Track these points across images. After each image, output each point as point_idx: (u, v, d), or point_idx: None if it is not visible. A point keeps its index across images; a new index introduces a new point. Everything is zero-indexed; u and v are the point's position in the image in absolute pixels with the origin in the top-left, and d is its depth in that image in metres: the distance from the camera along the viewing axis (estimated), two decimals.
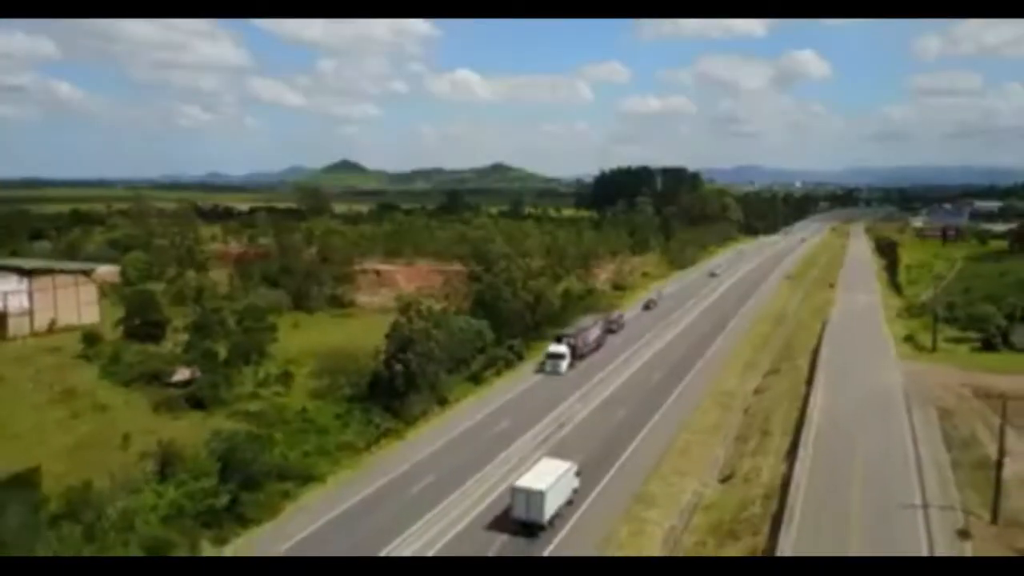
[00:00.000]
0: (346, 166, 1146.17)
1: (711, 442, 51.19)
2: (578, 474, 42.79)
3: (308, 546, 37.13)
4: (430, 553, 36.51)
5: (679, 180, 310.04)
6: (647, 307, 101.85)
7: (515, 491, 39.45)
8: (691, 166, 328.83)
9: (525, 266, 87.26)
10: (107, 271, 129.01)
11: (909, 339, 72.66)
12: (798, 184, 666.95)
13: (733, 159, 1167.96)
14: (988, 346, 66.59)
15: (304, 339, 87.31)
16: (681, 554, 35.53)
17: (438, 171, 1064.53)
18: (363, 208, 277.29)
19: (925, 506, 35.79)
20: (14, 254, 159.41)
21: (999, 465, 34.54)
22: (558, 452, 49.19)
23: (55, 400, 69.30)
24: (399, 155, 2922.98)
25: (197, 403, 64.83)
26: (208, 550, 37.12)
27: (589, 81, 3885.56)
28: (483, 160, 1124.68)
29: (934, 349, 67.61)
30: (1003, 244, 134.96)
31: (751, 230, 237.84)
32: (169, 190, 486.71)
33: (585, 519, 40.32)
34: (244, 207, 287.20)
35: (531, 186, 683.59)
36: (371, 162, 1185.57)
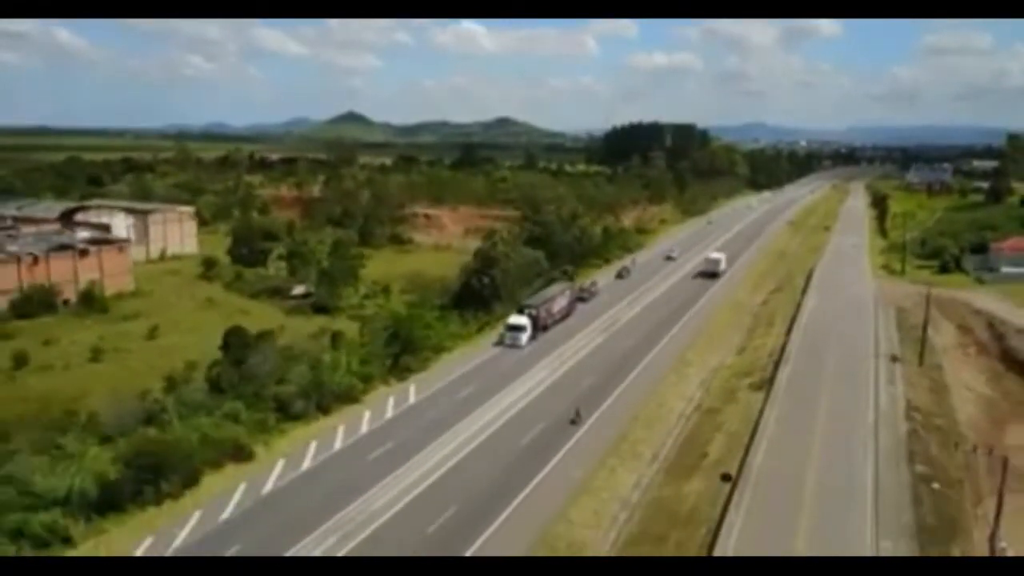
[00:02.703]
0: (351, 118, 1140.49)
1: (729, 333, 69.27)
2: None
3: (467, 377, 55.55)
4: (551, 379, 54.53)
5: (688, 137, 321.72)
6: (620, 276, 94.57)
7: (706, 259, 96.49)
8: (697, 123, 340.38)
9: (572, 208, 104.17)
10: (182, 211, 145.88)
11: (885, 266, 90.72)
12: (803, 143, 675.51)
13: (738, 116, 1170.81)
14: (944, 270, 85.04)
15: (380, 268, 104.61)
16: (710, 387, 53.66)
17: (443, 124, 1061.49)
18: (374, 160, 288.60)
19: (876, 355, 53.90)
20: (86, 196, 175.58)
21: (924, 327, 52.49)
22: (617, 339, 67.26)
23: (201, 307, 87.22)
24: (402, 108, 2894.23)
25: (319, 309, 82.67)
26: (395, 384, 55.23)
27: (596, 35, 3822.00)
28: (488, 114, 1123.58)
29: (903, 272, 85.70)
30: (980, 197, 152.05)
31: (756, 185, 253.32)
32: (175, 140, 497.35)
33: (645, 371, 58.46)
34: (273, 156, 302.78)
35: (536, 140, 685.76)
36: (375, 114, 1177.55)
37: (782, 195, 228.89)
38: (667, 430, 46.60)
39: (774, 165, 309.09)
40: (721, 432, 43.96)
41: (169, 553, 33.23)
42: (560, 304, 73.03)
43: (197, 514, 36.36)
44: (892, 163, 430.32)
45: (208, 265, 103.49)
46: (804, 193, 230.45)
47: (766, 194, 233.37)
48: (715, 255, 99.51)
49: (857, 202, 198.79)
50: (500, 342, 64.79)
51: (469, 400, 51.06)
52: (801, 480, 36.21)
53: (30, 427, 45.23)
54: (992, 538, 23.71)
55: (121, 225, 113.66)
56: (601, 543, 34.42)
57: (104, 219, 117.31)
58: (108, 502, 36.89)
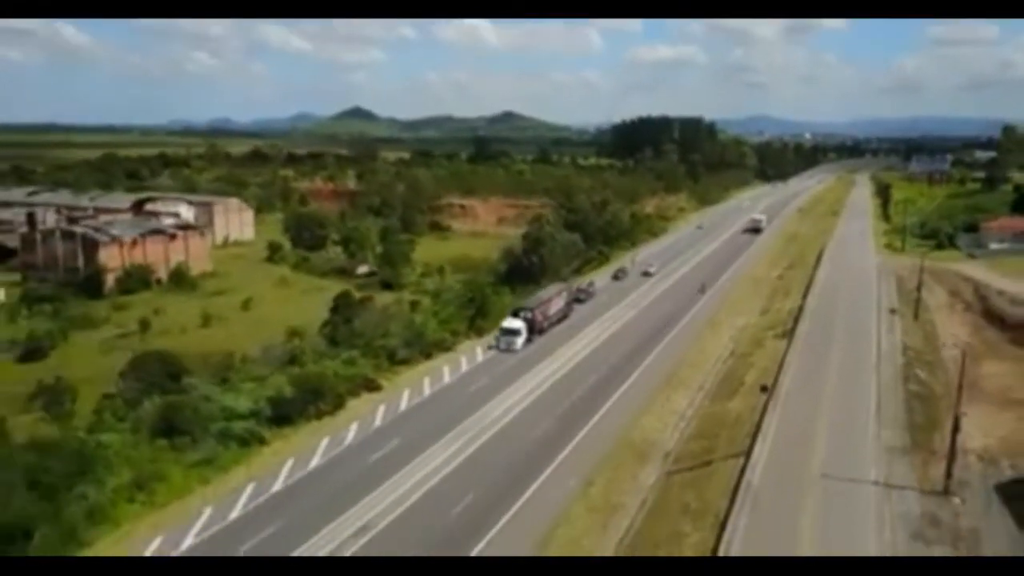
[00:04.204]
0: (357, 113, 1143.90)
1: (752, 300, 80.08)
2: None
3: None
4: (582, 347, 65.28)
5: (696, 130, 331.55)
6: (616, 278, 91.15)
7: (752, 219, 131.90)
8: (701, 115, 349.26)
9: (602, 196, 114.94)
10: (240, 202, 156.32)
11: (888, 245, 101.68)
12: (808, 135, 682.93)
13: (742, 109, 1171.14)
14: (939, 247, 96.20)
15: (425, 252, 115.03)
16: (741, 338, 64.35)
17: (448, 119, 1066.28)
18: (387, 155, 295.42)
19: (879, 311, 64.65)
20: (133, 190, 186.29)
21: (918, 289, 63.25)
22: (654, 307, 77.91)
23: (278, 284, 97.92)
24: (406, 103, 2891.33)
25: (385, 285, 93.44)
26: (475, 338, 65.97)
27: (599, 29, 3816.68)
28: (491, 108, 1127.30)
29: (903, 249, 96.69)
30: (978, 186, 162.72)
31: (766, 177, 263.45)
32: (182, 136, 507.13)
33: (684, 329, 69.20)
34: (300, 151, 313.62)
35: (542, 135, 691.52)
36: (379, 109, 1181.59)
37: (785, 190, 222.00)
38: (708, 368, 57.47)
39: (781, 158, 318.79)
40: (754, 368, 54.75)
41: (343, 448, 44.13)
42: (557, 306, 70.55)
43: (355, 424, 47.32)
44: (896, 155, 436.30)
45: (273, 249, 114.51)
46: (811, 185, 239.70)
47: (765, 187, 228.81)
48: (758, 215, 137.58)
49: (862, 191, 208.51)
50: (495, 346, 62.62)
51: (541, 349, 62.22)
52: (820, 395, 46.99)
53: (196, 369, 56.03)
54: (956, 405, 34.38)
55: (187, 215, 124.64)
56: (668, 439, 45.36)
57: (170, 208, 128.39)
58: (281, 417, 47.72)
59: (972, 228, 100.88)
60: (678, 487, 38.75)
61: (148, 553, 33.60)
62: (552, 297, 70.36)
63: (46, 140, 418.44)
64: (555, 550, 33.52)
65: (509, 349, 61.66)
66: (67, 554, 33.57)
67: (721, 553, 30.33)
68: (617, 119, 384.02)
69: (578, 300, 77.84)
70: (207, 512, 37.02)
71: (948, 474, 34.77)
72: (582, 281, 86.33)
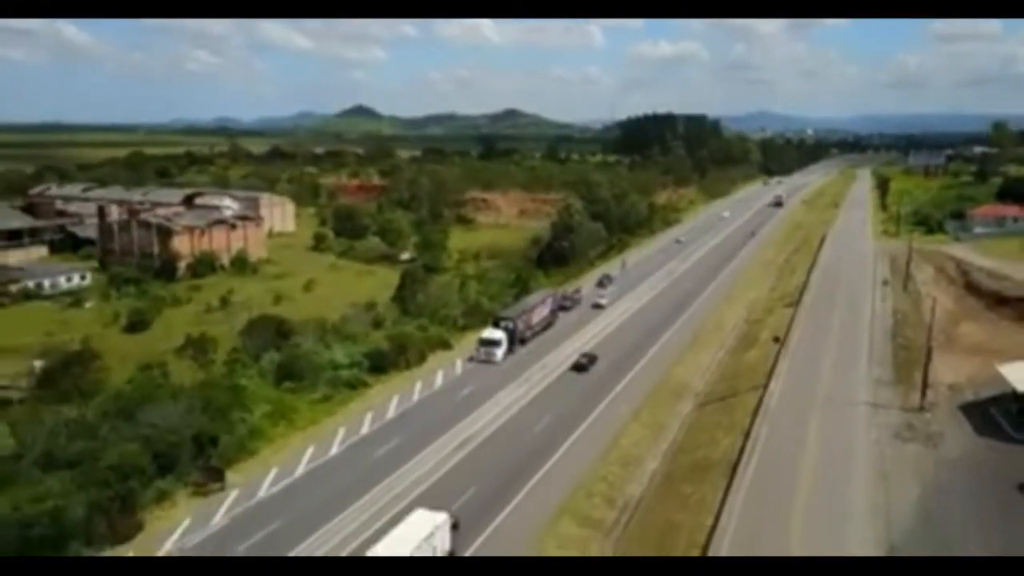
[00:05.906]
0: (360, 112, 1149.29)
1: (761, 279, 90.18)
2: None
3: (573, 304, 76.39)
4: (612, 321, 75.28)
5: (701, 127, 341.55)
6: (601, 284, 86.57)
7: (775, 196, 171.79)
8: (703, 112, 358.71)
9: (621, 188, 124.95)
10: (283, 197, 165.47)
11: (884, 232, 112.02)
12: (810, 131, 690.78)
13: (744, 105, 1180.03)
14: (930, 232, 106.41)
15: (456, 242, 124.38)
16: (753, 308, 74.37)
17: (451, 117, 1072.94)
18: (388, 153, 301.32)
19: (874, 284, 74.71)
20: (167, 186, 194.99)
21: (907, 263, 73.29)
22: (676, 284, 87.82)
23: (329, 270, 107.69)
24: (408, 101, 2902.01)
25: (428, 270, 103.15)
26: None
27: (601, 26, 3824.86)
28: (493, 105, 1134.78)
29: (898, 234, 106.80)
30: (970, 178, 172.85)
31: (768, 171, 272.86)
32: (185, 135, 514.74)
33: (708, 297, 79.27)
34: (318, 150, 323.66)
35: (545, 132, 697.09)
36: (381, 107, 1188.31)
37: (781, 189, 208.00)
38: (727, 331, 67.65)
39: (784, 153, 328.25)
40: (767, 329, 64.85)
41: (434, 390, 54.21)
42: (541, 314, 67.87)
43: (440, 372, 57.49)
44: (897, 150, 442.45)
45: (318, 239, 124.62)
46: (813, 180, 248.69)
47: (756, 186, 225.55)
48: (780, 192, 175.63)
49: (863, 185, 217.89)
50: (473, 358, 60.12)
51: (582, 317, 72.52)
52: (823, 346, 57.11)
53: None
54: (928, 339, 44.44)
55: (234, 208, 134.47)
56: (697, 382, 55.62)
57: (216, 203, 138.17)
58: (377, 367, 57.79)
59: (959, 215, 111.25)
60: (710, 412, 48.89)
61: (307, 458, 43.63)
62: (536, 305, 67.83)
63: (50, 140, 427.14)
64: (619, 453, 43.68)
65: (488, 360, 59.09)
66: (243, 457, 43.72)
67: (747, 450, 40.32)
68: (620, 116, 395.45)
69: (563, 308, 75.70)
70: (342, 431, 47.12)
71: (923, 395, 44.80)
72: (567, 288, 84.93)
